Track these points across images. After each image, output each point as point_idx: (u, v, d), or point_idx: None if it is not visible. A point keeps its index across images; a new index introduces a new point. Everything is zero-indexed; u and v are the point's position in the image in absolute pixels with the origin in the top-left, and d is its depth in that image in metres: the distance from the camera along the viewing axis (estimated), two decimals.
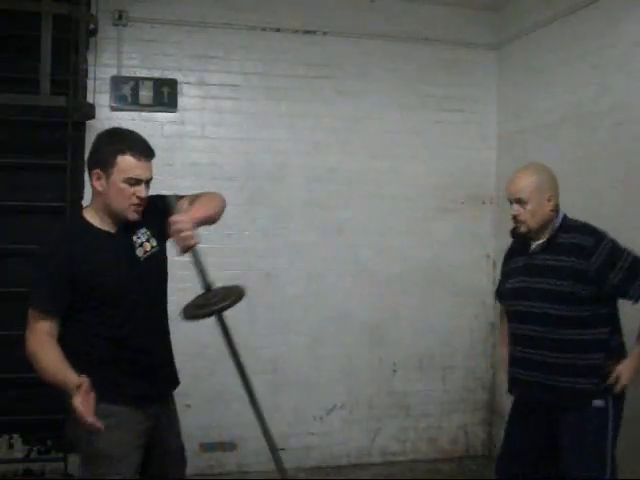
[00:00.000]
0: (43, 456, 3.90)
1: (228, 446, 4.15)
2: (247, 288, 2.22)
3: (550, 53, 3.97)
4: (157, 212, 2.31)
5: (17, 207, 3.80)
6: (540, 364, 2.53)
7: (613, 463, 2.48)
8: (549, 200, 2.56)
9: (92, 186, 2.25)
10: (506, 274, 2.76)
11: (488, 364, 4.60)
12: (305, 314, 4.28)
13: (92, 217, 2.27)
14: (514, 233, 2.70)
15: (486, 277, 4.58)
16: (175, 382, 2.46)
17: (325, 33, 4.31)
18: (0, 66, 3.72)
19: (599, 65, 3.54)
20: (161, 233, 2.34)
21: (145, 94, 4.02)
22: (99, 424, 1.97)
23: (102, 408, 2.04)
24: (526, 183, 2.57)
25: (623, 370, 2.47)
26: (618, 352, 2.53)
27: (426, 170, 4.48)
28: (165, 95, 4.06)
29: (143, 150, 2.24)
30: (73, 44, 3.70)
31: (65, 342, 2.15)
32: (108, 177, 2.19)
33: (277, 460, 2.35)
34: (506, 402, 4.29)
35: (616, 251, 2.47)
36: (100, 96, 3.96)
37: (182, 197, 2.39)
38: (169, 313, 2.42)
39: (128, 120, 3.91)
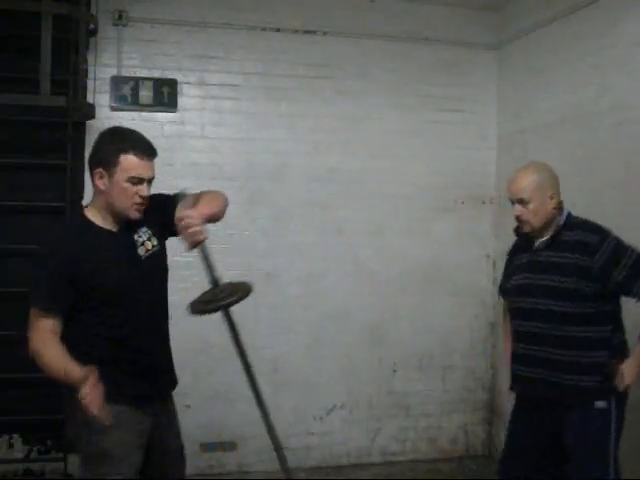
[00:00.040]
0: (43, 456, 3.90)
1: (228, 446, 4.15)
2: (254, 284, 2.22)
3: (550, 53, 3.97)
4: (157, 211, 2.31)
5: (17, 207, 3.80)
6: (544, 361, 2.53)
7: (616, 464, 2.48)
8: (551, 198, 2.56)
9: (94, 185, 2.25)
10: (510, 271, 2.76)
11: (488, 364, 4.60)
12: (305, 314, 4.28)
13: (94, 215, 2.27)
14: (518, 232, 2.70)
15: (486, 277, 4.58)
16: (174, 382, 2.46)
17: (325, 33, 4.31)
18: (0, 66, 3.73)
19: (599, 65, 3.54)
20: (161, 232, 2.35)
21: (145, 94, 4.02)
22: (106, 417, 1.96)
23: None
24: (527, 182, 2.56)
25: (626, 369, 2.46)
26: (620, 350, 2.52)
27: (426, 170, 4.48)
28: (165, 95, 4.06)
29: (146, 149, 2.24)
30: (73, 44, 3.70)
31: (65, 342, 2.14)
32: (111, 176, 2.19)
33: (282, 459, 2.35)
34: (506, 402, 4.30)
35: (620, 248, 2.46)
36: (100, 96, 3.96)
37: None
38: (169, 313, 2.43)
39: (128, 120, 3.90)
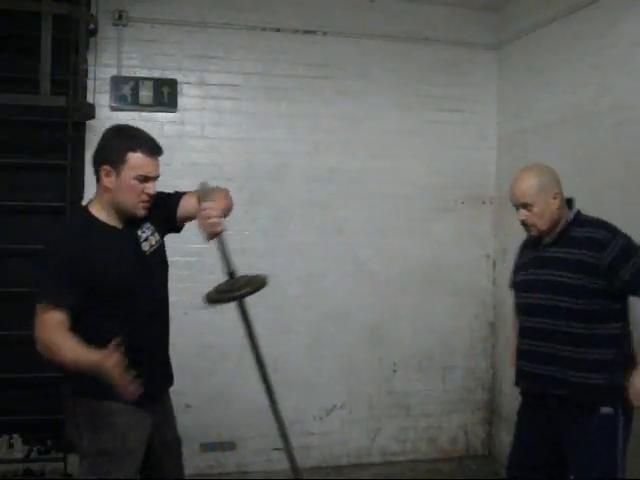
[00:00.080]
0: (43, 456, 3.90)
1: (228, 446, 4.15)
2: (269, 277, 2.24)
3: (550, 53, 3.97)
4: (159, 207, 2.33)
5: (17, 207, 3.80)
6: (550, 357, 2.51)
7: (623, 473, 2.45)
8: (554, 198, 2.54)
9: (99, 182, 2.25)
10: (518, 267, 2.77)
11: (488, 364, 4.60)
12: (305, 314, 4.29)
13: (98, 212, 2.27)
14: (528, 234, 2.69)
15: (486, 277, 4.58)
16: (171, 378, 2.48)
17: (325, 33, 4.31)
18: (0, 66, 3.73)
19: (599, 65, 3.54)
20: (162, 228, 2.37)
21: (145, 94, 4.02)
22: (136, 389, 1.98)
23: (104, 406, 2.04)
24: (528, 186, 2.55)
25: (636, 380, 2.42)
26: (627, 349, 2.50)
27: (426, 170, 4.48)
28: (165, 95, 4.06)
29: (153, 147, 2.26)
30: (73, 44, 3.70)
31: None
32: (118, 173, 2.20)
33: (291, 459, 2.36)
34: (506, 402, 4.31)
35: (631, 247, 2.45)
36: (100, 96, 3.96)
37: (184, 194, 2.40)
38: (169, 313, 2.43)
39: (128, 120, 3.86)
